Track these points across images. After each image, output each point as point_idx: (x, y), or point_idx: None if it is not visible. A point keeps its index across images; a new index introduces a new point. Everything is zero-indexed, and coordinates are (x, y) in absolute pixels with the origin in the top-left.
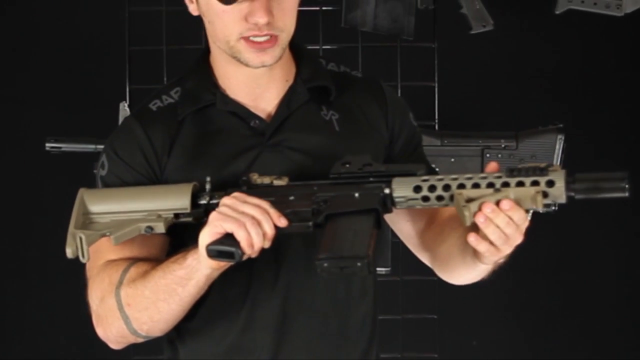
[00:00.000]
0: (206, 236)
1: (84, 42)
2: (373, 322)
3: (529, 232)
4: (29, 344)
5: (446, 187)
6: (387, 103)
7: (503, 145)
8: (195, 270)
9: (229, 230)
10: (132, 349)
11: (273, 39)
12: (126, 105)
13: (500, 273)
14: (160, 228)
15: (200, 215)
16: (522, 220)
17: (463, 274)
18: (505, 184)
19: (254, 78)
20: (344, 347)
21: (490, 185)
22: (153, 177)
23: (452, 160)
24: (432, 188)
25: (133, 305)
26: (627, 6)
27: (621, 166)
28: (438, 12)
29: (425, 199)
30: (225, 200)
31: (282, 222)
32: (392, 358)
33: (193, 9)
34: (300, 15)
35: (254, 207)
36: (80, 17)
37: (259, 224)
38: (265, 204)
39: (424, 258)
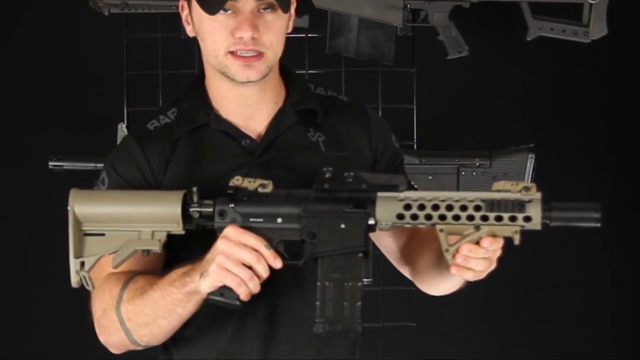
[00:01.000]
0: (206, 286)
1: (85, 67)
2: None
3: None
4: (33, 346)
5: (428, 217)
6: (370, 126)
7: (477, 164)
8: (194, 295)
9: (229, 285)
10: (129, 353)
11: (259, 55)
12: (124, 126)
13: (474, 284)
14: (156, 249)
15: (193, 231)
16: (499, 246)
17: (440, 285)
18: (485, 218)
19: (245, 98)
20: (328, 353)
21: (470, 217)
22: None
23: (430, 177)
24: (414, 217)
25: (133, 320)
26: (594, 34)
27: (586, 182)
28: (417, 39)
29: (407, 223)
30: (221, 245)
31: (277, 265)
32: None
33: (189, 30)
34: (288, 41)
35: (250, 252)
36: (82, 44)
37: (255, 271)
38: (260, 245)
39: (405, 271)
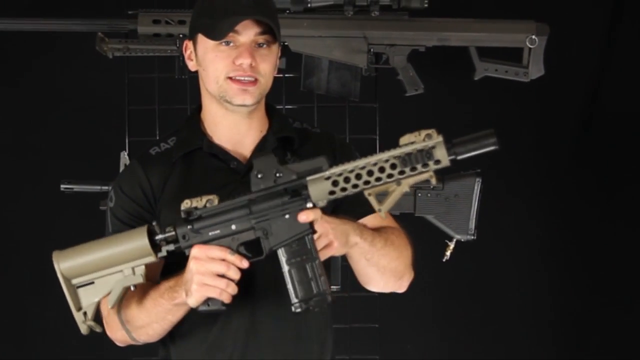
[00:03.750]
0: (193, 302)
1: (92, 102)
2: (328, 328)
3: (451, 256)
4: (46, 345)
5: (355, 186)
6: (336, 147)
7: (432, 187)
8: (182, 305)
9: (212, 297)
10: (131, 351)
11: (255, 81)
12: (126, 154)
13: (428, 291)
14: (140, 281)
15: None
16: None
17: (373, 278)
18: (402, 172)
19: (236, 124)
20: (304, 347)
21: (390, 176)
22: (149, 208)
23: None
24: (343, 189)
25: (131, 323)
26: (532, 74)
27: (525, 202)
28: (379, 78)
29: (339, 196)
30: (193, 265)
31: (244, 264)
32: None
33: (192, 66)
34: None
35: (219, 263)
36: (89, 83)
37: (228, 277)
38: (225, 254)
39: (361, 281)
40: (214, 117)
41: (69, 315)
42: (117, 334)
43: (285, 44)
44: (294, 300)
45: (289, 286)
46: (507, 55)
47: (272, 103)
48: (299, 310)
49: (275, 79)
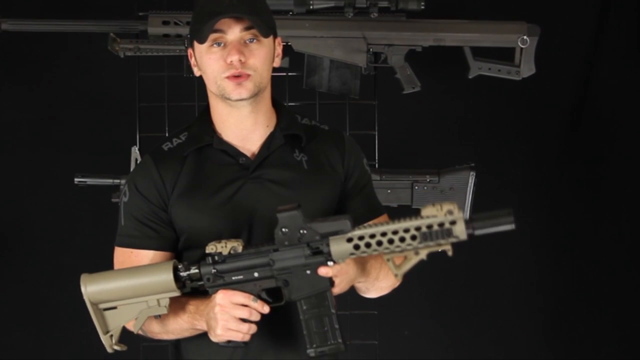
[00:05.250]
0: (216, 340)
1: (104, 100)
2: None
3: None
4: (61, 332)
5: (375, 251)
6: (345, 149)
7: (428, 180)
8: (200, 330)
9: (234, 340)
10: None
11: (246, 75)
12: (137, 149)
13: (424, 280)
14: (164, 312)
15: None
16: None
17: (367, 294)
18: (421, 243)
19: (242, 120)
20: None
21: (409, 245)
22: (163, 205)
23: (389, 191)
24: (363, 252)
25: (148, 329)
26: (524, 73)
27: (517, 194)
28: (378, 76)
29: (358, 255)
30: (219, 312)
31: (265, 310)
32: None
33: (196, 72)
34: (272, 79)
35: (242, 310)
36: (102, 81)
37: (249, 321)
38: (248, 301)
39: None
40: (221, 115)
41: (85, 306)
42: (134, 329)
43: (289, 44)
44: (310, 347)
45: (306, 332)
46: (500, 54)
47: (282, 101)
48: (313, 355)
49: (279, 77)
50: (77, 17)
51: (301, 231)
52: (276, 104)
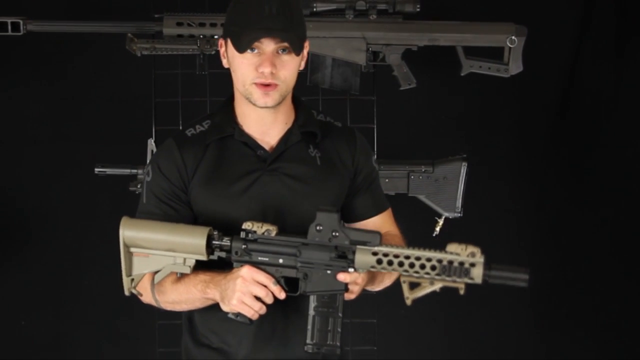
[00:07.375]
0: (227, 309)
1: (123, 95)
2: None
3: (440, 231)
4: (82, 314)
5: (394, 270)
6: (356, 146)
7: (423, 170)
8: (211, 301)
9: (245, 314)
10: (157, 315)
11: (275, 85)
12: (152, 141)
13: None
14: (187, 272)
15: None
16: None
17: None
18: (438, 275)
19: (262, 117)
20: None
21: (427, 274)
22: (183, 187)
23: (387, 180)
24: (383, 268)
25: (161, 298)
26: (512, 70)
27: (507, 185)
28: (377, 74)
29: (378, 269)
30: (240, 284)
31: (282, 296)
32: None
33: (225, 63)
34: None
35: (261, 289)
36: (120, 78)
37: (263, 301)
38: (269, 282)
39: None
40: (244, 110)
41: (103, 287)
42: (147, 298)
43: None
44: (309, 341)
45: (309, 327)
46: (490, 53)
47: (301, 98)
48: (309, 351)
49: None
50: (97, 19)
51: (334, 233)
52: (296, 100)
